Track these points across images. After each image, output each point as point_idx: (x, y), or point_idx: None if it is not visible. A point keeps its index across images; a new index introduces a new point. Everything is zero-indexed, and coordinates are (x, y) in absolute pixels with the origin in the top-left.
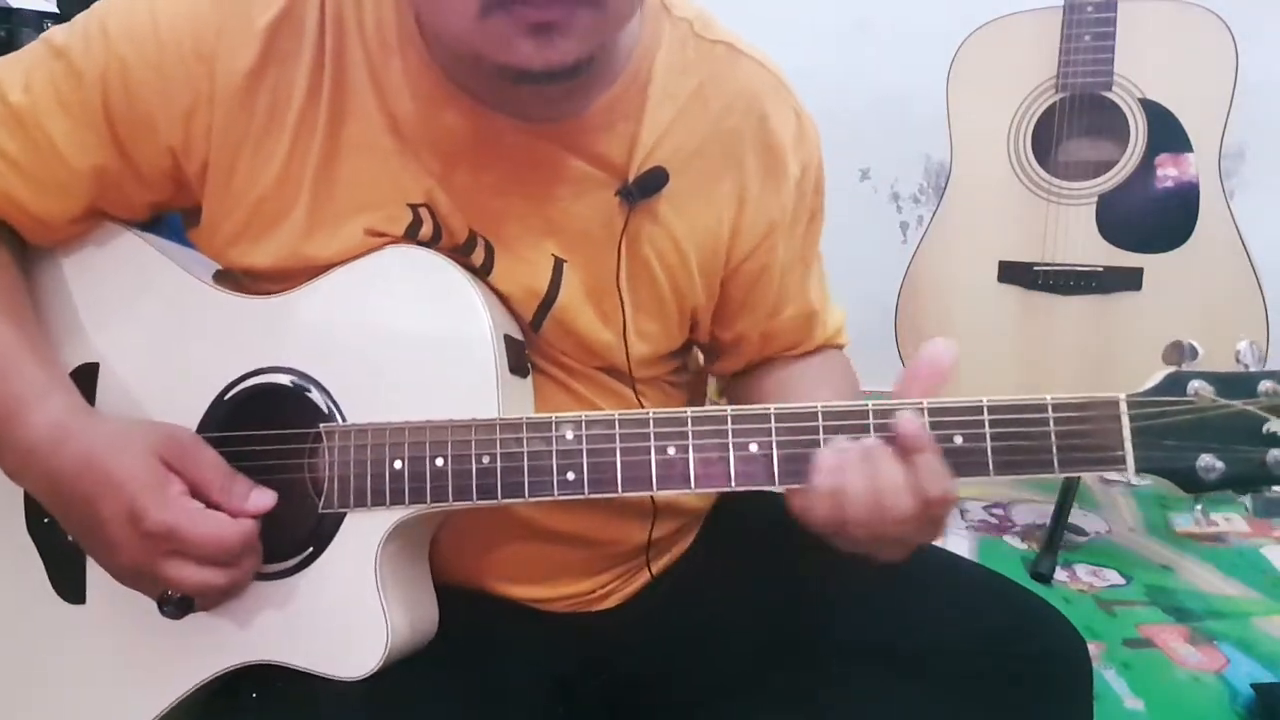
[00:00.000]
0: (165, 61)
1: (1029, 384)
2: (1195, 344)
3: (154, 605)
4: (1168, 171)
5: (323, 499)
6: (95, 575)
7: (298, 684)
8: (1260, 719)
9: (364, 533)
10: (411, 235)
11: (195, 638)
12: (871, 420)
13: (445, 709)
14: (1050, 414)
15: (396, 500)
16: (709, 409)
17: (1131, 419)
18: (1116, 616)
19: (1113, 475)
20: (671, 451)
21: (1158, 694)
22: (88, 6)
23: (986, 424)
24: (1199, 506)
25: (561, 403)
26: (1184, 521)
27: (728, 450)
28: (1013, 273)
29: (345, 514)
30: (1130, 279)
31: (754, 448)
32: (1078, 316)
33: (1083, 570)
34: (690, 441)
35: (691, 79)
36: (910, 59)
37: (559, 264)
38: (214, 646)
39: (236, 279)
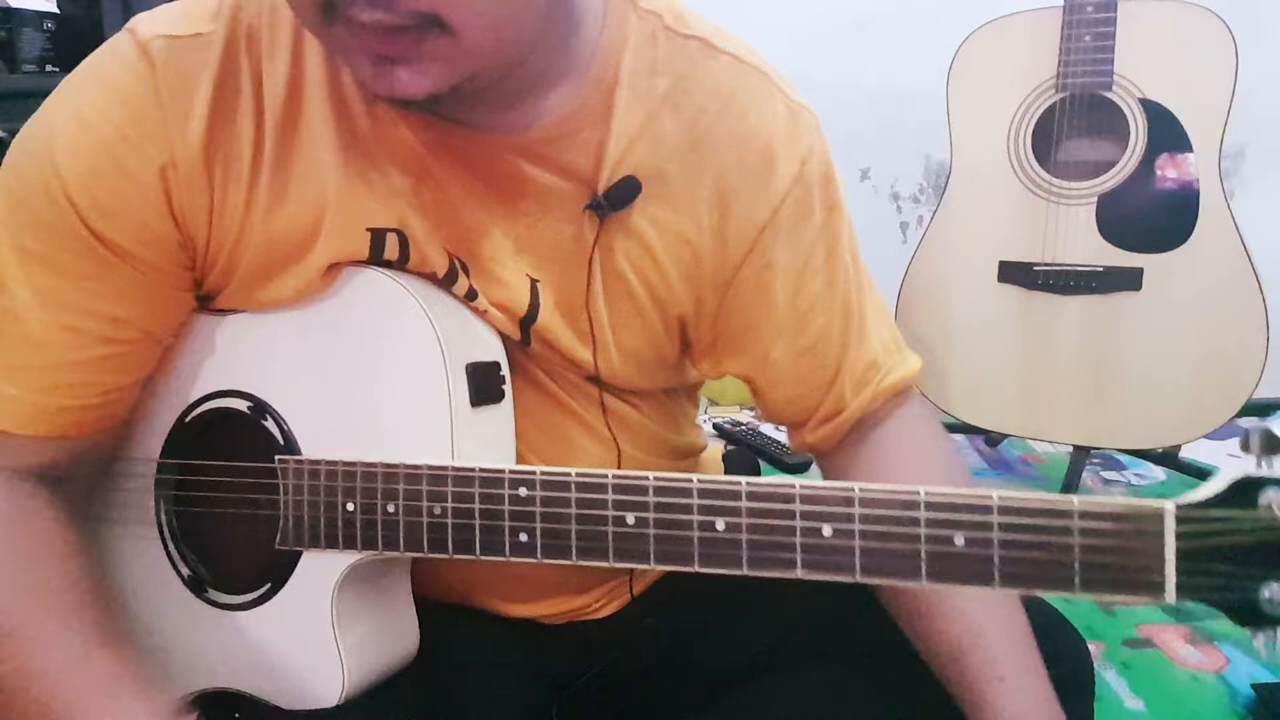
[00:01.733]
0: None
1: (1028, 384)
2: None
3: (132, 618)
4: (1168, 172)
5: (279, 535)
6: None
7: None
8: (1260, 719)
9: (321, 572)
10: (375, 261)
11: (167, 660)
12: (857, 509)
13: None
14: (1076, 521)
15: (349, 544)
16: (673, 475)
17: (1179, 536)
18: (1116, 616)
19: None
20: (630, 521)
21: (1158, 694)
22: (88, 8)
23: (995, 525)
24: (1260, 639)
25: (553, 418)
26: None
27: (692, 527)
28: (1013, 273)
29: (302, 552)
30: (1130, 279)
31: (720, 525)
32: (1078, 316)
33: None
34: (651, 514)
35: (661, 80)
36: (910, 59)
37: (534, 284)
38: (182, 670)
39: None
